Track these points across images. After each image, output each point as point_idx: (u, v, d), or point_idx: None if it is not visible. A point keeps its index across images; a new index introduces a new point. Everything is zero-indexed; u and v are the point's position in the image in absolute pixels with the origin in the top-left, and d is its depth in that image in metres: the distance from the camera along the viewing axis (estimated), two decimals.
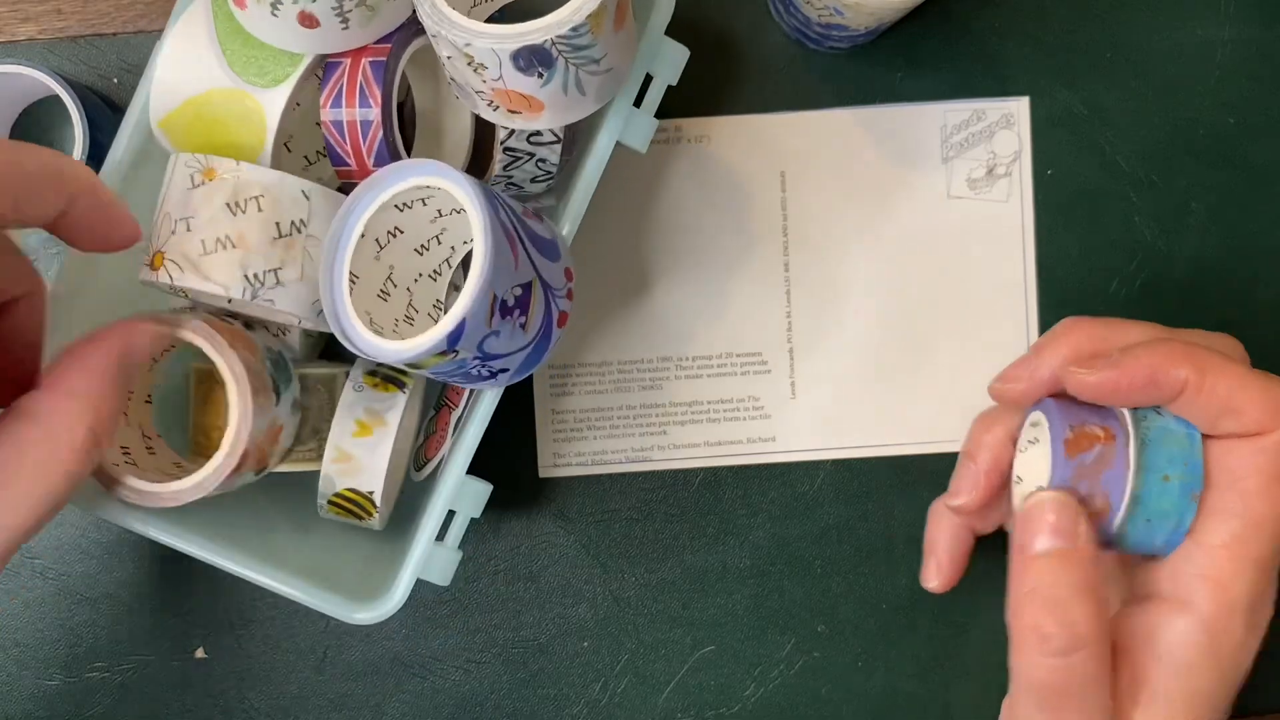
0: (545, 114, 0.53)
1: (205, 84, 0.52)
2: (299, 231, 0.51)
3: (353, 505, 0.60)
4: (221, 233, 0.50)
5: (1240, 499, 0.49)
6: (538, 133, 0.57)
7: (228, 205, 0.50)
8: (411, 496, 0.64)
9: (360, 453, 0.59)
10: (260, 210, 0.50)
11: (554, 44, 0.48)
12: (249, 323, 0.58)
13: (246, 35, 0.52)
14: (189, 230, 0.50)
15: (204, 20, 0.53)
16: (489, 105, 0.53)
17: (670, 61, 0.58)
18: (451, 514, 0.58)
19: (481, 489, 0.59)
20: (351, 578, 0.60)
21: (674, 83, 0.58)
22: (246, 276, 0.50)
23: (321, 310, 0.51)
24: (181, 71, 0.52)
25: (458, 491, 0.57)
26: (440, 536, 0.58)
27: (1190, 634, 0.50)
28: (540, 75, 0.49)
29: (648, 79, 0.57)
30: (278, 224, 0.50)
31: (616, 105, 0.56)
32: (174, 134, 0.53)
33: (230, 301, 0.57)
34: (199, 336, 0.52)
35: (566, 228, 0.57)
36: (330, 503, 0.60)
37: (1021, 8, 0.70)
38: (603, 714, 0.71)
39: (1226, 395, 0.49)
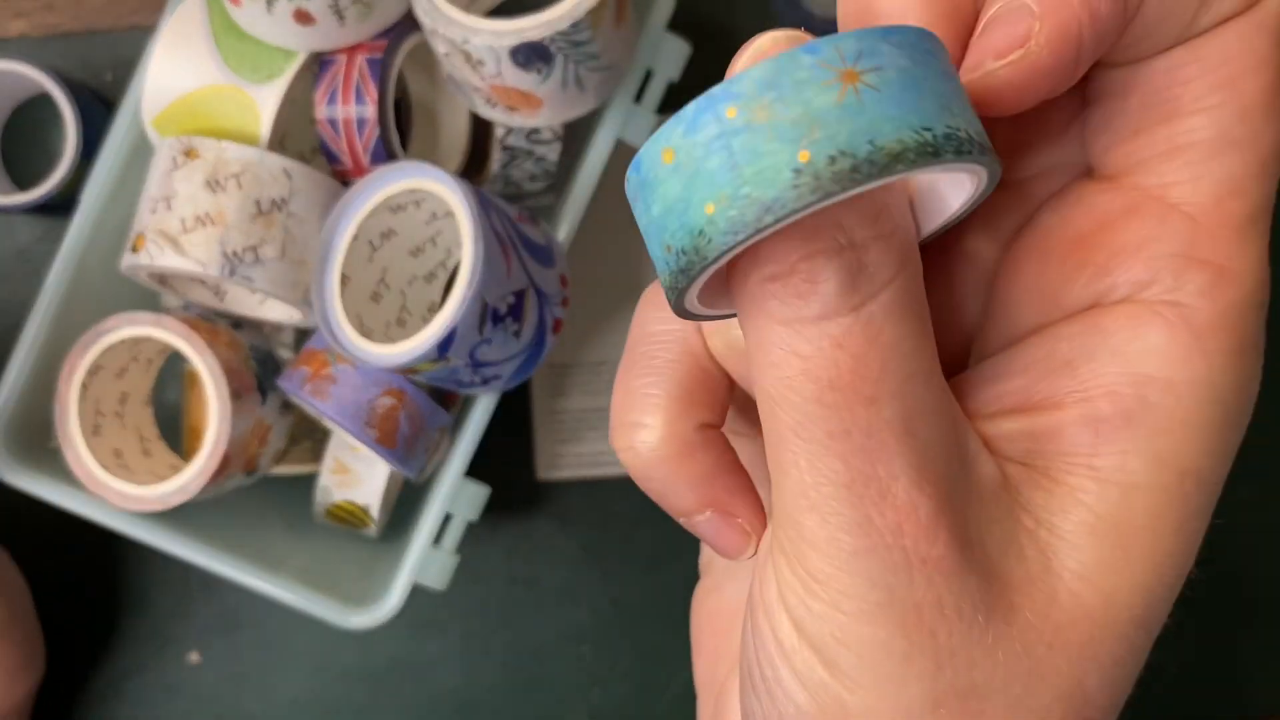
0: (544, 110, 0.52)
1: (199, 80, 0.51)
2: (279, 209, 0.50)
3: (350, 516, 0.59)
4: (201, 210, 0.49)
5: (1236, 115, 0.26)
6: (536, 130, 0.56)
7: (207, 183, 0.49)
8: (409, 499, 0.64)
9: (359, 467, 0.58)
10: (240, 188, 0.49)
11: (553, 40, 0.47)
12: (239, 323, 0.57)
13: (241, 31, 0.52)
14: (169, 209, 0.50)
15: (198, 16, 0.52)
16: (487, 102, 0.52)
17: (671, 57, 0.57)
18: (449, 517, 0.58)
19: (479, 492, 0.58)
20: (347, 581, 0.59)
21: (675, 79, 0.57)
22: (225, 253, 0.49)
23: (308, 297, 0.51)
24: (175, 68, 0.52)
25: (455, 495, 0.57)
26: (437, 540, 0.57)
27: (1171, 349, 0.25)
28: (539, 72, 0.49)
29: (648, 75, 0.57)
30: (257, 201, 0.50)
31: (616, 102, 0.55)
32: (167, 130, 0.52)
33: (213, 290, 0.56)
34: (173, 334, 0.52)
35: (566, 226, 0.56)
36: (328, 512, 0.59)
37: None
38: (602, 719, 0.71)
39: None
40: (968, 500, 0.24)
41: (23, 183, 0.68)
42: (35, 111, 0.69)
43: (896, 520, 0.23)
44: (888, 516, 0.23)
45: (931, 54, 0.22)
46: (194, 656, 0.70)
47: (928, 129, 0.21)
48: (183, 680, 0.70)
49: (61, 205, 0.63)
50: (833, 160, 0.20)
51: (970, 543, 0.23)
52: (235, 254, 0.49)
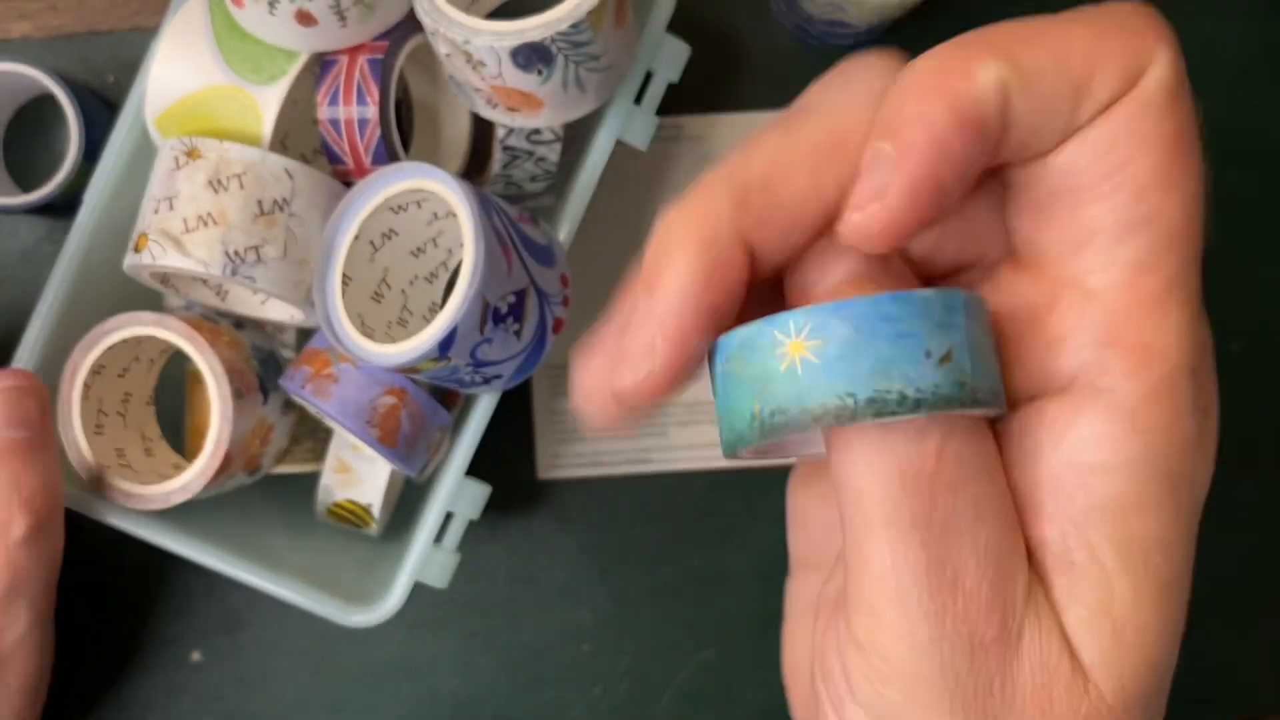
0: (545, 111, 0.52)
1: (201, 81, 0.52)
2: (281, 209, 0.50)
3: (351, 515, 0.59)
4: (203, 210, 0.49)
5: (1132, 196, 0.27)
6: (537, 131, 0.57)
7: (209, 183, 0.49)
8: (410, 498, 0.64)
9: (360, 466, 0.58)
10: (242, 188, 0.50)
11: (554, 41, 0.47)
12: (241, 322, 0.58)
13: (243, 32, 0.52)
14: (171, 209, 0.50)
15: (200, 17, 0.52)
16: (488, 103, 0.53)
17: (671, 58, 0.57)
18: (450, 516, 0.58)
19: (479, 491, 0.58)
20: (348, 580, 0.59)
21: (675, 80, 0.58)
22: (227, 253, 0.49)
23: (310, 298, 0.51)
24: (177, 68, 0.52)
25: (456, 493, 0.57)
26: (438, 539, 0.57)
27: (1105, 434, 0.27)
28: (540, 73, 0.49)
29: (648, 76, 0.57)
30: (259, 201, 0.50)
31: (617, 102, 0.56)
32: (169, 131, 0.53)
33: (215, 290, 0.56)
34: (174, 334, 0.52)
35: (566, 226, 0.56)
36: (329, 511, 0.59)
37: (1024, 6, 0.70)
38: (603, 718, 0.71)
39: (1069, 68, 0.26)
40: (1014, 587, 0.26)
41: (25, 183, 0.69)
42: (38, 112, 0.69)
43: (965, 605, 0.25)
44: (959, 603, 0.25)
45: (884, 319, 0.26)
46: (196, 656, 0.70)
47: (851, 394, 0.26)
48: (185, 679, 0.70)
49: (64, 206, 0.63)
50: (773, 414, 0.27)
51: (1013, 629, 0.26)
52: (237, 254, 0.49)
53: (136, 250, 0.51)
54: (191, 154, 0.50)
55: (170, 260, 0.49)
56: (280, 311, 0.57)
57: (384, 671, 0.70)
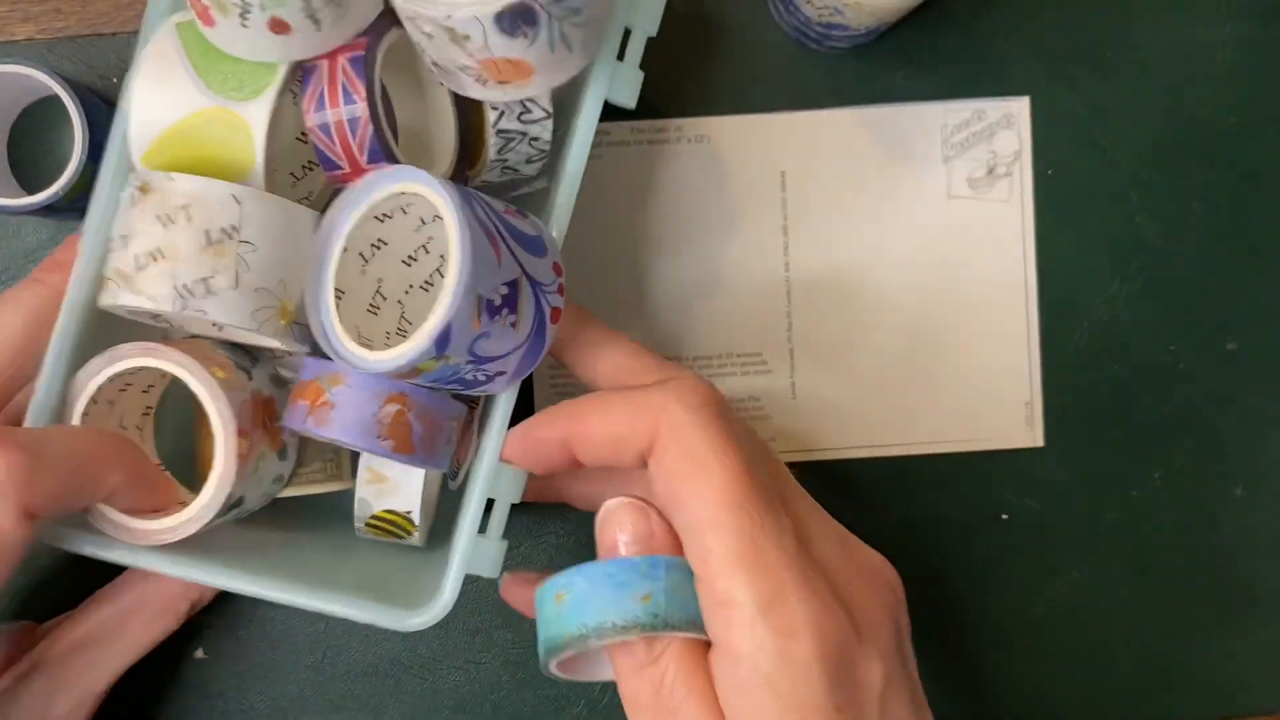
0: (536, 78, 0.52)
1: (184, 109, 0.51)
2: (230, 238, 0.49)
3: (391, 525, 0.59)
4: (153, 245, 0.49)
5: (681, 503, 0.48)
6: (528, 110, 0.56)
7: (158, 218, 0.49)
8: (448, 510, 0.62)
9: (394, 473, 0.58)
10: (190, 219, 0.49)
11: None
12: (250, 350, 0.57)
13: (219, 52, 0.51)
14: (125, 247, 0.50)
15: (171, 46, 0.52)
16: (477, 80, 0.52)
17: (648, 11, 0.56)
18: (491, 503, 0.56)
19: (518, 473, 0.56)
20: (397, 587, 0.57)
21: (654, 34, 0.56)
22: (176, 288, 0.49)
23: (272, 326, 0.51)
24: (158, 101, 0.51)
25: (494, 478, 0.55)
26: (482, 528, 0.55)
27: (739, 672, 0.46)
28: (526, 36, 0.48)
29: (627, 33, 0.56)
30: (207, 231, 0.49)
31: (600, 61, 0.55)
32: (159, 165, 0.52)
33: (157, 320, 0.55)
34: (138, 358, 0.52)
35: (564, 192, 0.55)
36: (368, 524, 0.59)
37: (1022, 8, 0.70)
38: (603, 714, 0.71)
39: (608, 431, 0.51)
40: None
41: (30, 185, 0.69)
42: (42, 114, 0.70)
43: None
44: None
45: (608, 575, 0.45)
46: (199, 652, 0.70)
47: (584, 624, 0.44)
48: (188, 675, 0.70)
49: (68, 207, 0.64)
50: (547, 642, 0.46)
51: None
52: (186, 288, 0.49)
53: (101, 290, 0.51)
54: (143, 189, 0.49)
55: (124, 299, 0.49)
56: (274, 339, 0.56)
57: (387, 668, 0.71)
